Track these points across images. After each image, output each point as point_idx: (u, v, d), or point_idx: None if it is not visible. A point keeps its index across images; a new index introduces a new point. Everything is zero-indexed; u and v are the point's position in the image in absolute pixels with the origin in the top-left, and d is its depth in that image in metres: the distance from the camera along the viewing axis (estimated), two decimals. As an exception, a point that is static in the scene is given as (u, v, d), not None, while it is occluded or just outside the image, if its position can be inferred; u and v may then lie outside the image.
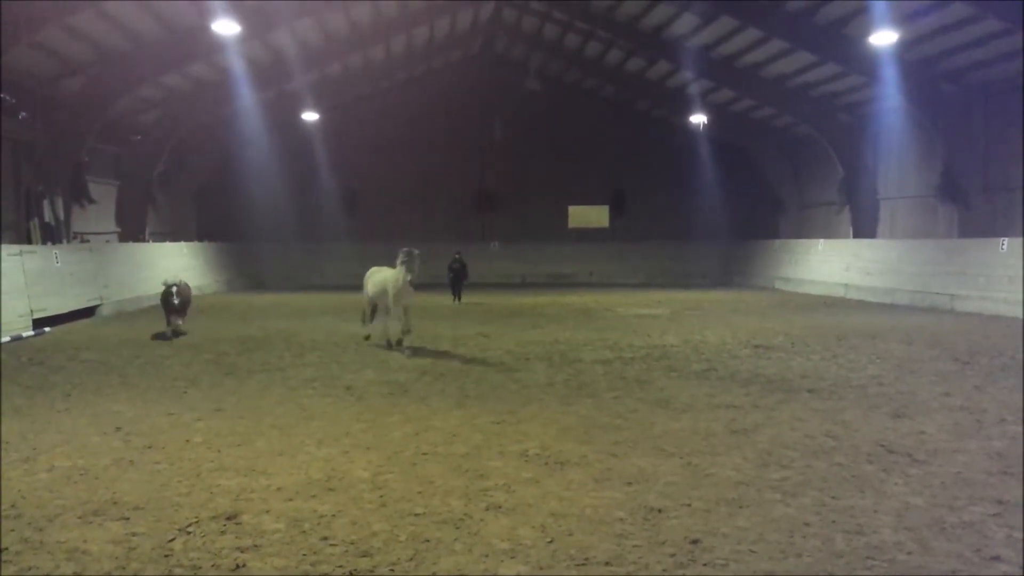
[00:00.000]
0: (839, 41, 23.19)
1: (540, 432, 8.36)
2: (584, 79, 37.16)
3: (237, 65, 25.46)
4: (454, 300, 25.13)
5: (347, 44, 28.61)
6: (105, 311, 21.23)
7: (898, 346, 14.67)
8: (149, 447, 7.81)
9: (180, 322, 16.84)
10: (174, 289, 16.33)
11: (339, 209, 37.03)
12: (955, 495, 6.27)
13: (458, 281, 25.46)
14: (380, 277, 15.10)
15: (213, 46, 23.06)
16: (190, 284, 28.35)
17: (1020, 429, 8.33)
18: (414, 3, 27.28)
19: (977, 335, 16.18)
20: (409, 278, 13.87)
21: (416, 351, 14.13)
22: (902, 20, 20.22)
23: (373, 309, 15.75)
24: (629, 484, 6.59)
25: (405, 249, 14.15)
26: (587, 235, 38.41)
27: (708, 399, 10.02)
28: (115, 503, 6.15)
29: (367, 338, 15.48)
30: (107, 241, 26.81)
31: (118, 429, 8.55)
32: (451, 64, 37.56)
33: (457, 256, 25.74)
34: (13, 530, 5.59)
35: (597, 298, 26.93)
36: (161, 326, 16.86)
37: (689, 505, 6.07)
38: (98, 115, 23.74)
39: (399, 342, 14.47)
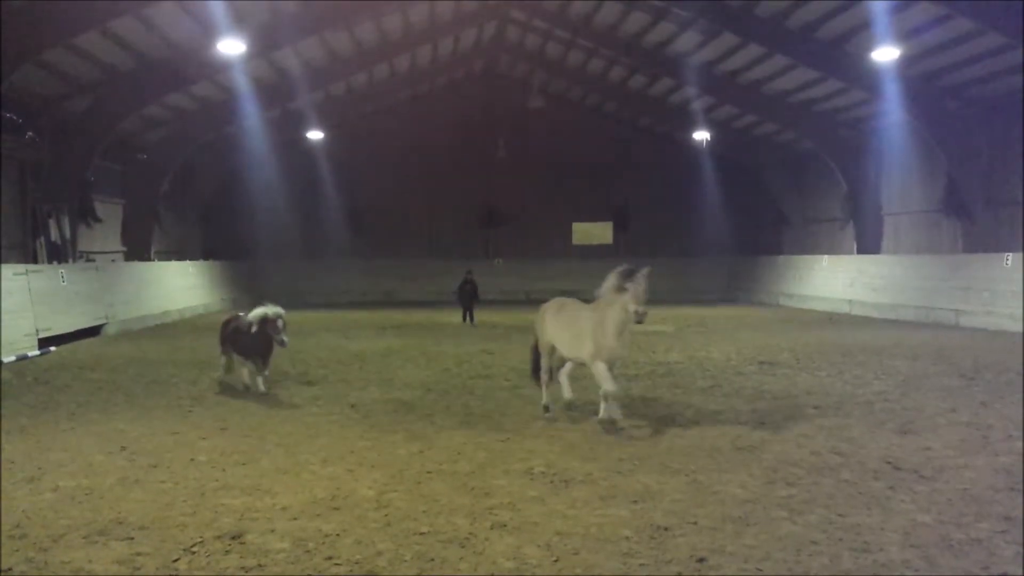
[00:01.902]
0: (841, 57, 23.26)
1: (545, 450, 8.34)
2: (587, 96, 37.31)
3: (242, 84, 25.60)
4: (465, 320, 23.76)
5: (351, 63, 28.78)
6: (111, 330, 21.27)
7: (903, 362, 14.63)
8: (154, 466, 7.81)
9: (267, 372, 12.19)
10: (280, 323, 11.64)
11: (344, 227, 37.15)
12: (962, 512, 6.24)
13: (469, 301, 24.09)
14: (574, 313, 9.91)
15: (218, 65, 23.19)
16: (197, 302, 28.69)
17: (1027, 445, 8.29)
18: (418, 22, 27.45)
19: (982, 350, 16.13)
20: (637, 312, 8.88)
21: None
22: (904, 36, 20.28)
23: (546, 360, 10.36)
24: (635, 502, 6.57)
25: (625, 267, 9.24)
26: (591, 252, 38.39)
27: (713, 416, 9.99)
28: (120, 523, 6.15)
29: (547, 410, 10.13)
30: (113, 260, 26.89)
31: (123, 448, 8.55)
32: (455, 82, 37.74)
33: (468, 275, 24.47)
34: (18, 550, 5.59)
35: (601, 314, 26.82)
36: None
37: (695, 523, 6.04)
38: (104, 134, 23.87)
39: (607, 419, 9.34)
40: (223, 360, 12.78)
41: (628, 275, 9.01)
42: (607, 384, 9.21)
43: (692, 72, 27.69)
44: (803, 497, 6.65)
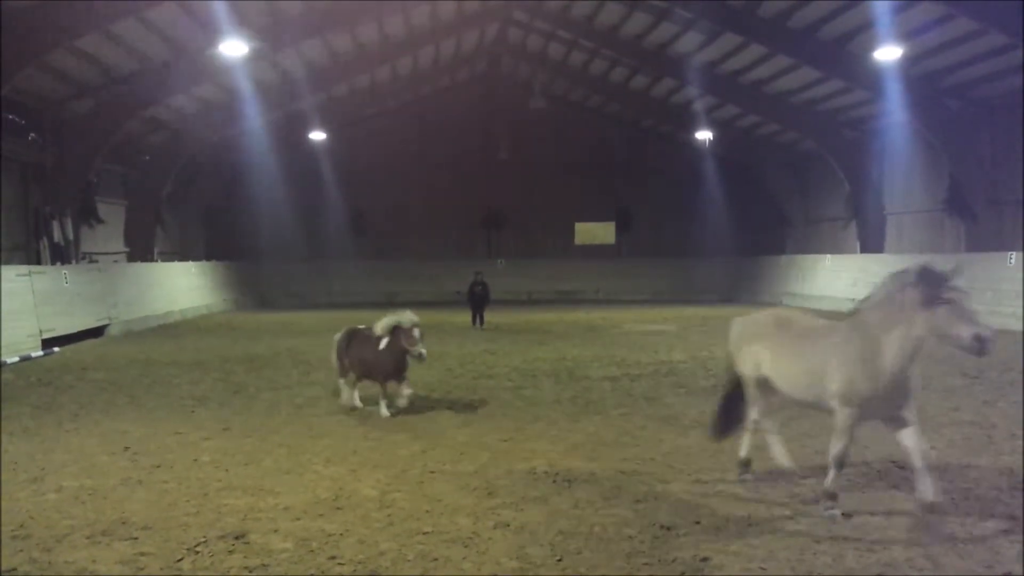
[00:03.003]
0: (843, 57, 23.24)
1: (548, 449, 8.34)
2: (589, 97, 37.29)
3: (244, 86, 25.60)
4: (474, 324, 23.15)
5: (354, 64, 28.78)
6: (114, 331, 21.30)
7: (907, 361, 14.56)
8: (157, 466, 7.82)
9: (407, 389, 10.29)
10: (417, 332, 9.94)
11: (346, 228, 37.18)
12: (966, 511, 6.23)
13: (481, 304, 23.43)
14: (813, 334, 6.87)
15: (221, 67, 23.19)
16: (199, 303, 28.71)
17: (1031, 444, 8.25)
18: (420, 24, 27.47)
19: (986, 350, 16.05)
20: (980, 338, 5.57)
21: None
22: (906, 36, 20.25)
23: (757, 398, 7.21)
24: (638, 501, 6.56)
25: (921, 266, 6.08)
26: (593, 252, 38.41)
27: (716, 415, 9.97)
28: (123, 523, 6.16)
29: (745, 467, 7.18)
30: (116, 261, 26.91)
31: (126, 449, 8.56)
32: (457, 83, 37.75)
33: (478, 276, 23.86)
34: (22, 550, 5.59)
35: (603, 315, 26.90)
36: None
37: (699, 523, 6.04)
38: (106, 136, 23.86)
39: (925, 503, 5.98)
40: (345, 383, 10.74)
41: (938, 280, 5.82)
42: (839, 442, 6.14)
43: (694, 72, 27.68)
44: (807, 496, 6.64)
